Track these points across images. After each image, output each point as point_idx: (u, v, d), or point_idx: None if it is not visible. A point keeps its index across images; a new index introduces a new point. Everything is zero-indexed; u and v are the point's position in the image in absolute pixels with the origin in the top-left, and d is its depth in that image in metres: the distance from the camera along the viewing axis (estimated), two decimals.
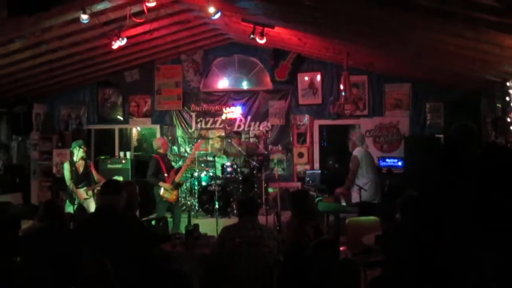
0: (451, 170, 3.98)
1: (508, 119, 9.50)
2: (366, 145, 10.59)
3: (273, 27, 10.32)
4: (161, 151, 10.49)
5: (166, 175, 10.24)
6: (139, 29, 10.29)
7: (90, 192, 10.19)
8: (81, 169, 10.06)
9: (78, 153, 10.16)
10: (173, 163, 11.52)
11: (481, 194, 3.63)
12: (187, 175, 12.02)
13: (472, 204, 3.66)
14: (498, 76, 9.70)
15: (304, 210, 6.12)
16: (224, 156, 13.58)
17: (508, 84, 9.44)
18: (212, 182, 11.90)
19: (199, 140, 12.79)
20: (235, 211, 11.88)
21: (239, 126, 14.04)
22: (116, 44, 9.83)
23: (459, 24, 6.62)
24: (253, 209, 6.05)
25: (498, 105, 10.21)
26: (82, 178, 10.08)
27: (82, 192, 10.09)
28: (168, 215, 10.21)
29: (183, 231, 7.09)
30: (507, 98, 9.50)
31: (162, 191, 10.09)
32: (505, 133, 9.72)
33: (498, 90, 10.15)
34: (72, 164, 10.20)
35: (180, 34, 12.06)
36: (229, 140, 13.44)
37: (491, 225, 3.57)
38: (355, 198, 9.35)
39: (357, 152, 9.62)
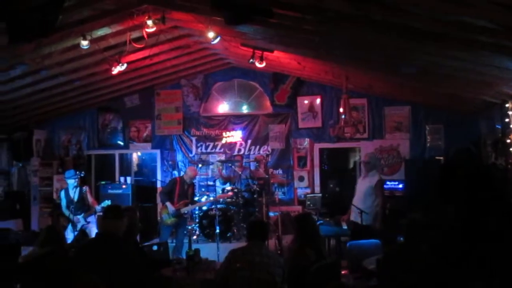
0: (445, 194, 4.00)
1: (508, 141, 9.50)
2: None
3: (272, 51, 10.38)
4: (184, 177, 10.89)
5: (176, 200, 10.46)
6: (139, 55, 10.34)
7: (89, 218, 10.28)
8: (76, 197, 10.15)
9: (72, 183, 10.32)
10: None
11: (468, 218, 3.63)
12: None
13: (461, 228, 3.66)
14: (496, 98, 9.72)
15: (307, 233, 6.11)
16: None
17: (507, 105, 9.45)
18: (213, 206, 11.86)
19: (225, 190, 12.82)
20: (236, 235, 11.87)
21: (239, 150, 14.04)
22: (116, 70, 9.87)
23: (457, 46, 6.66)
24: (262, 234, 6.03)
25: (497, 126, 10.22)
26: (78, 206, 10.17)
27: (80, 219, 10.15)
28: (171, 240, 10.29)
29: (184, 256, 7.09)
30: (507, 120, 9.51)
31: (163, 210, 10.36)
32: (505, 155, 9.72)
33: (497, 111, 10.17)
34: (67, 192, 10.33)
35: (180, 59, 12.11)
36: (230, 165, 13.45)
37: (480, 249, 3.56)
38: (355, 217, 9.29)
39: (378, 175, 9.54)
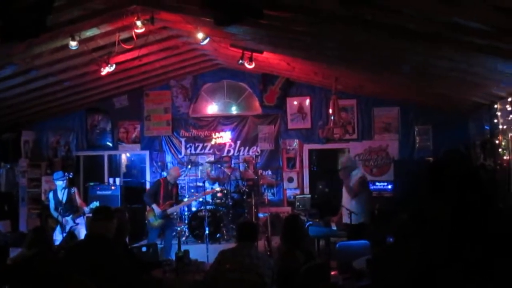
0: (433, 195, 3.99)
1: (497, 141, 9.54)
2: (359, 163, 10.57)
3: (261, 52, 10.38)
4: (168, 177, 10.90)
5: (161, 201, 10.45)
6: (128, 55, 10.32)
7: (78, 219, 10.23)
8: (64, 199, 10.10)
9: (61, 185, 10.28)
10: None
11: (456, 219, 3.62)
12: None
13: (449, 229, 3.65)
14: (485, 99, 9.77)
15: (295, 235, 6.10)
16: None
17: (495, 106, 9.50)
18: (202, 207, 11.84)
19: (212, 189, 12.77)
20: (225, 236, 11.87)
21: (228, 151, 14.03)
22: (105, 70, 9.85)
23: (448, 47, 6.68)
24: (252, 235, 5.98)
25: (486, 127, 10.26)
26: (67, 207, 10.12)
27: (69, 220, 10.10)
28: (159, 241, 10.27)
29: (173, 258, 7.08)
30: (495, 121, 9.55)
31: (149, 213, 10.34)
32: (493, 155, 9.76)
33: (485, 112, 10.21)
34: (56, 194, 10.27)
35: (169, 60, 12.09)
36: (219, 166, 13.46)
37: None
38: (345, 220, 9.29)
39: (360, 173, 9.56)
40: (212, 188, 12.88)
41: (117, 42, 8.98)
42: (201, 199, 12.34)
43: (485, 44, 6.06)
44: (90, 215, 7.92)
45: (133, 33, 8.60)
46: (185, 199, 12.08)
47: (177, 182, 11.61)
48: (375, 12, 5.86)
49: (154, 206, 10.54)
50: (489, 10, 4.81)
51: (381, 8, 5.69)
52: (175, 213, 11.50)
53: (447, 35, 6.12)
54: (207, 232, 10.67)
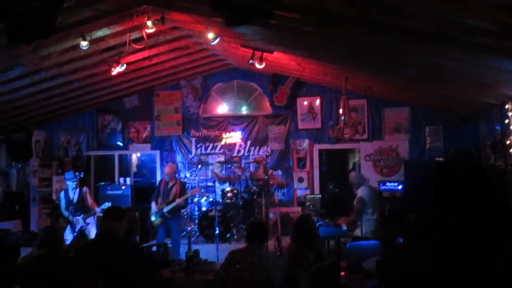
0: (441, 195, 3.97)
1: (508, 142, 9.49)
2: (367, 180, 10.55)
3: (272, 52, 10.37)
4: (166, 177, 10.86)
5: (160, 200, 10.52)
6: (138, 55, 10.34)
7: (88, 219, 10.28)
8: (76, 199, 10.15)
9: (72, 185, 10.33)
10: None
11: (464, 220, 3.61)
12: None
13: (457, 230, 3.63)
14: (496, 99, 9.71)
15: (306, 235, 6.10)
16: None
17: (506, 107, 9.44)
18: (212, 207, 11.85)
19: (196, 188, 12.68)
20: (235, 236, 11.87)
21: (238, 151, 14.03)
22: (116, 71, 9.87)
23: (457, 48, 6.65)
24: (262, 235, 6.01)
25: (497, 128, 10.21)
26: (78, 207, 10.17)
27: (80, 220, 10.14)
28: (168, 240, 10.29)
29: (183, 257, 7.08)
30: (506, 121, 9.50)
31: (152, 212, 10.43)
32: (504, 156, 9.71)
33: (496, 113, 10.16)
34: (67, 193, 10.31)
35: (179, 60, 12.11)
36: (229, 166, 13.48)
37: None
38: (356, 232, 9.34)
39: (362, 192, 9.54)
40: (222, 189, 12.88)
41: (128, 42, 9.00)
42: (211, 199, 12.38)
43: (492, 44, 6.03)
44: (101, 215, 7.95)
45: (143, 33, 8.62)
46: (202, 200, 12.14)
47: (183, 180, 11.73)
48: (384, 13, 5.84)
49: (152, 204, 10.69)
50: (496, 10, 4.78)
51: (391, 9, 5.67)
52: (184, 212, 11.51)
53: (456, 36, 6.09)
54: (217, 232, 10.64)
